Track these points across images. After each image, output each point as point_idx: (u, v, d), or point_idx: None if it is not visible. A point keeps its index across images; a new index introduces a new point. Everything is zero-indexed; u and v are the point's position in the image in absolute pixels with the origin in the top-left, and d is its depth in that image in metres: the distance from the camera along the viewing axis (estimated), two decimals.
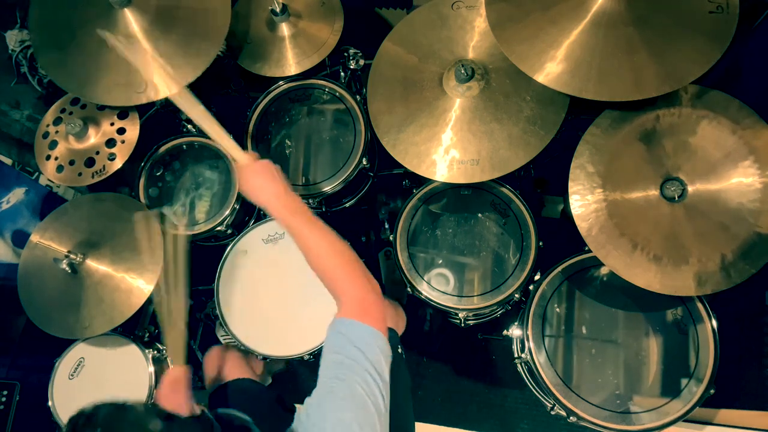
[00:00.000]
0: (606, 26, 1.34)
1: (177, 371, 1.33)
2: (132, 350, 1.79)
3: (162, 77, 1.54)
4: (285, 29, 1.81)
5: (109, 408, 0.83)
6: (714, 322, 1.47)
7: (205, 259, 1.97)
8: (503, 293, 1.64)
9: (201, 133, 1.94)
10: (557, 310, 1.59)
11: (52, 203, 2.13)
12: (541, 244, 1.66)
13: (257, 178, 1.21)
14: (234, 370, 1.70)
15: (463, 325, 1.85)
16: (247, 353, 1.79)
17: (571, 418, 1.50)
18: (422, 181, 1.80)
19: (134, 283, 1.68)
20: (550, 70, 1.36)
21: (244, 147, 1.84)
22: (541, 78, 1.36)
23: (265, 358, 1.69)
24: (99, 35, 1.48)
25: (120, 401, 0.85)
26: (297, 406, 1.69)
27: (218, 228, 1.86)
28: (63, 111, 1.81)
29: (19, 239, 2.02)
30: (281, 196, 1.18)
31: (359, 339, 0.92)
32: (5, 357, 2.03)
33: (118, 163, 1.72)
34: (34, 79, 2.10)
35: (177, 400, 1.26)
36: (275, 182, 1.20)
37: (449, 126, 1.53)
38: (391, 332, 1.68)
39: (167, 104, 1.97)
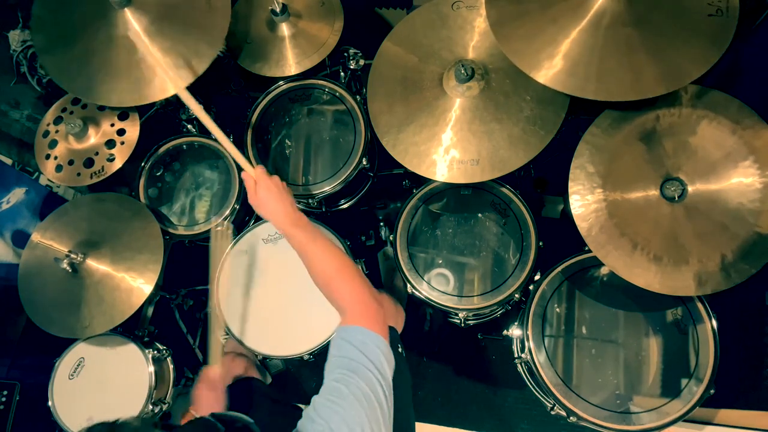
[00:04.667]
0: (606, 26, 1.34)
1: (214, 371, 1.41)
2: (132, 350, 1.79)
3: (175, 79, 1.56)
4: (285, 29, 1.81)
5: (101, 428, 0.83)
6: (714, 322, 1.47)
7: (205, 259, 1.97)
8: (503, 293, 1.64)
9: (201, 133, 1.94)
10: (557, 310, 1.59)
11: (52, 203, 2.12)
12: (541, 244, 1.66)
13: (266, 192, 1.28)
14: (241, 370, 1.77)
15: (463, 325, 1.85)
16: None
17: (571, 418, 1.50)
18: (422, 181, 1.80)
19: (134, 283, 1.68)
20: (549, 69, 1.36)
21: (244, 146, 1.85)
22: (539, 77, 1.36)
23: (264, 358, 1.69)
24: (130, 39, 1.49)
25: (112, 420, 0.85)
26: (301, 406, 1.70)
27: (218, 228, 1.86)
28: (64, 110, 1.81)
29: (19, 239, 2.02)
30: (289, 211, 1.25)
31: (362, 343, 0.95)
32: (5, 357, 2.03)
33: (117, 164, 1.72)
34: (33, 79, 2.10)
35: (214, 398, 1.36)
36: (283, 197, 1.27)
37: (449, 126, 1.53)
38: (392, 331, 1.68)
39: (167, 104, 1.97)
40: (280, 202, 1.26)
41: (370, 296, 1.05)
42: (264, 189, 1.28)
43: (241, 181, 1.83)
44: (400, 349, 1.58)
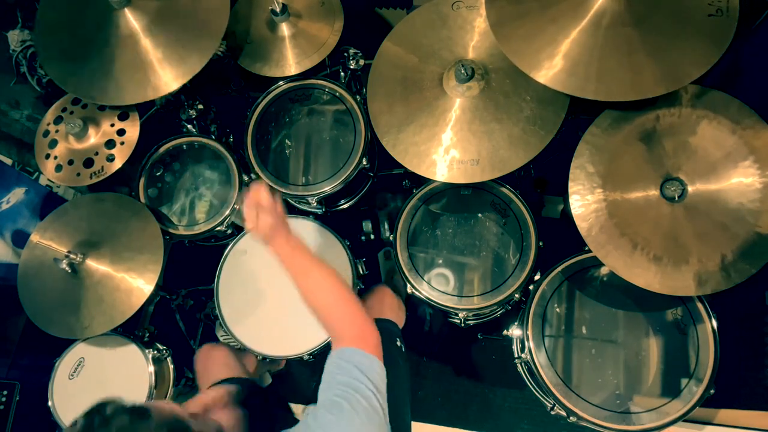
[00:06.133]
0: (606, 26, 1.34)
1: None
2: (132, 350, 1.79)
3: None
4: (285, 29, 1.81)
5: (125, 418, 0.82)
6: (714, 322, 1.47)
7: (205, 259, 1.97)
8: (503, 293, 1.64)
9: (201, 133, 1.94)
10: (557, 310, 1.59)
11: (52, 203, 2.13)
12: (541, 244, 1.66)
13: (269, 217, 1.20)
14: (223, 369, 1.67)
15: (463, 325, 1.85)
16: (239, 350, 1.79)
17: (571, 418, 1.50)
18: (422, 181, 1.80)
19: (134, 283, 1.68)
20: (549, 69, 1.36)
21: (244, 147, 1.85)
22: (539, 77, 1.36)
23: (264, 358, 1.69)
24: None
25: (138, 406, 0.84)
26: (294, 406, 1.69)
27: (218, 228, 1.86)
28: (64, 110, 1.81)
29: (19, 239, 2.02)
30: (282, 232, 1.19)
31: (360, 363, 0.99)
32: (5, 357, 2.03)
33: (116, 165, 1.72)
34: (33, 79, 2.10)
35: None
36: (283, 221, 1.21)
37: (449, 126, 1.53)
38: (393, 325, 1.68)
39: (167, 104, 1.97)
40: (276, 222, 1.19)
41: (367, 320, 1.08)
42: (267, 214, 1.19)
43: (240, 183, 1.84)
44: (399, 343, 1.58)
